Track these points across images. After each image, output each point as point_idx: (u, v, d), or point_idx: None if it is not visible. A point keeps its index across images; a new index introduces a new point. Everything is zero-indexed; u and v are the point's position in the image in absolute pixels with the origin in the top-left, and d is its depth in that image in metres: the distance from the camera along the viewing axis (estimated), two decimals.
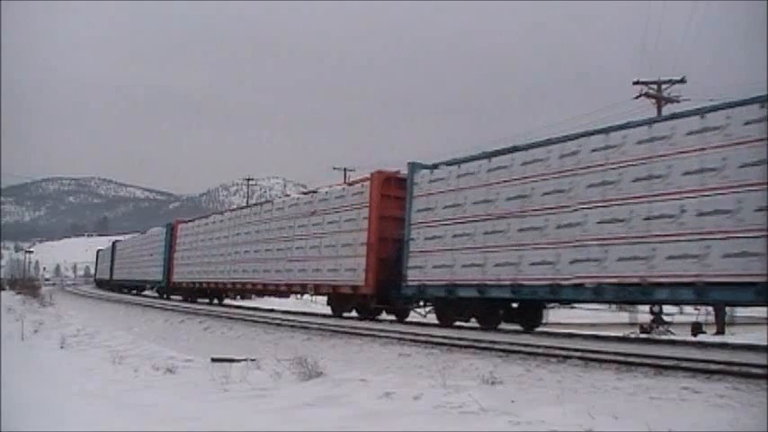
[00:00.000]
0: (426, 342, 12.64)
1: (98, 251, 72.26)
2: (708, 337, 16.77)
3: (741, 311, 18.63)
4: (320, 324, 17.27)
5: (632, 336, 14.62)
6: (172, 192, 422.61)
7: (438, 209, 16.12)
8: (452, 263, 15.46)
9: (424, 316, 18.15)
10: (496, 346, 11.32)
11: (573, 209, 12.92)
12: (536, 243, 13.53)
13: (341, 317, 19.73)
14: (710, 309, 17.20)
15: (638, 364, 9.04)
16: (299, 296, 26.18)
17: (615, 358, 9.49)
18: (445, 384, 7.74)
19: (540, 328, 15.35)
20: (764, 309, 12.12)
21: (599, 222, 12.41)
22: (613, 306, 22.25)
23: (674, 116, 12.47)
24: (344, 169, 49.38)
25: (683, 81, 27.06)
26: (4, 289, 51.61)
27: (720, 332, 18.70)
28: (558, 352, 10.33)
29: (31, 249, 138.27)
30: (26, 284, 52.72)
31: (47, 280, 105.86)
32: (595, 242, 12.42)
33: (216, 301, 31.86)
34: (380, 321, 20.09)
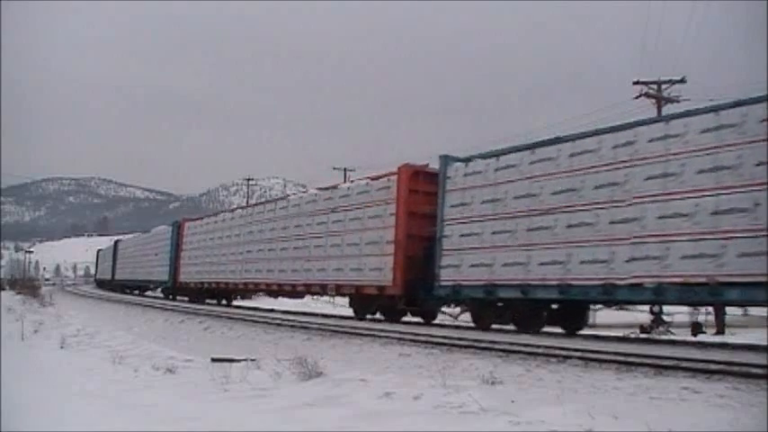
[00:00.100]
0: (426, 342, 12.65)
1: (98, 251, 71.64)
2: (708, 337, 16.78)
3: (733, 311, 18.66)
4: (320, 324, 17.29)
5: (632, 336, 14.59)
6: (172, 192, 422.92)
7: (474, 204, 15.23)
8: (492, 261, 14.59)
9: (455, 318, 17.44)
10: (496, 346, 11.33)
11: (629, 203, 12.08)
12: (587, 240, 12.67)
13: (362, 318, 19.01)
14: (710, 309, 17.22)
15: (638, 364, 9.05)
16: (315, 297, 25.49)
17: (615, 358, 9.50)
18: (445, 384, 7.74)
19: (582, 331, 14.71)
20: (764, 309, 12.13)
21: (659, 217, 11.55)
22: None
23: (741, 102, 11.20)
24: (344, 169, 49.36)
25: (683, 81, 27.10)
26: (4, 289, 51.59)
27: (720, 332, 18.72)
28: (558, 352, 10.34)
29: (31, 249, 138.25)
30: (26, 284, 52.72)
31: (47, 280, 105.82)
32: (655, 239, 11.57)
33: (224, 302, 30.91)
34: (381, 322, 20.11)
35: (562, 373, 8.95)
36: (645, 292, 11.83)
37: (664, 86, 27.44)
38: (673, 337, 14.19)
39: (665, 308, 13.55)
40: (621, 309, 15.32)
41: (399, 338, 13.41)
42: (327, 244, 20.24)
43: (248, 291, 29.18)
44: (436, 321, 18.30)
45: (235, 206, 73.86)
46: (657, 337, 14.10)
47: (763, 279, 10.03)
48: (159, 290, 40.32)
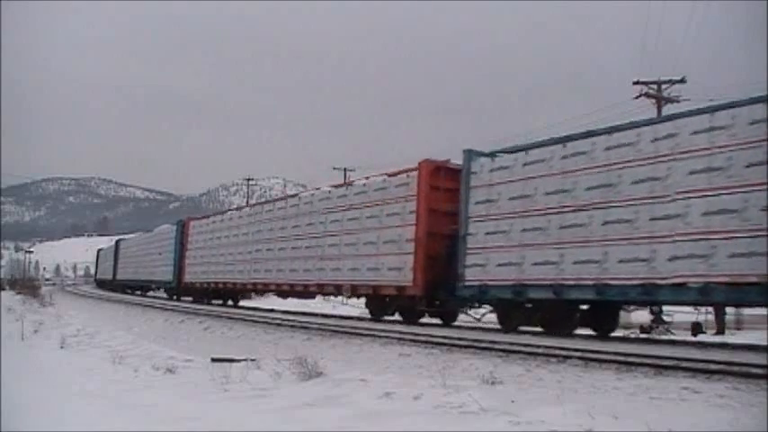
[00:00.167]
0: (426, 342, 12.65)
1: (99, 250, 71.22)
2: (708, 337, 16.75)
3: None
4: (320, 324, 17.29)
5: (632, 336, 14.58)
6: (172, 192, 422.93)
7: (502, 200, 14.56)
8: (521, 260, 13.93)
9: (479, 320, 16.82)
10: (496, 346, 11.33)
11: (671, 198, 11.46)
12: (625, 237, 12.03)
13: (379, 320, 18.32)
14: (710, 308, 17.18)
15: (638, 364, 9.05)
16: (327, 297, 24.70)
17: (615, 358, 9.50)
18: (445, 384, 7.74)
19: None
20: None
21: (704, 214, 10.98)
22: None
23: None
24: (344, 169, 49.37)
25: (683, 81, 27.09)
26: (4, 289, 51.59)
27: (720, 332, 18.70)
28: (557, 352, 10.34)
29: (31, 249, 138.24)
30: (26, 284, 52.73)
31: (47, 280, 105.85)
32: (700, 236, 11.00)
33: (230, 302, 30.19)
34: (381, 322, 20.10)
35: (562, 373, 8.96)
36: (689, 292, 11.30)
37: (664, 86, 27.42)
38: (673, 337, 14.16)
39: (665, 308, 13.50)
40: (623, 309, 15.04)
41: (399, 338, 13.42)
42: (342, 243, 19.57)
43: (257, 291, 28.31)
44: (456, 323, 17.72)
45: (235, 206, 73.83)
46: (657, 337, 14.07)
47: None
48: (163, 290, 39.52)
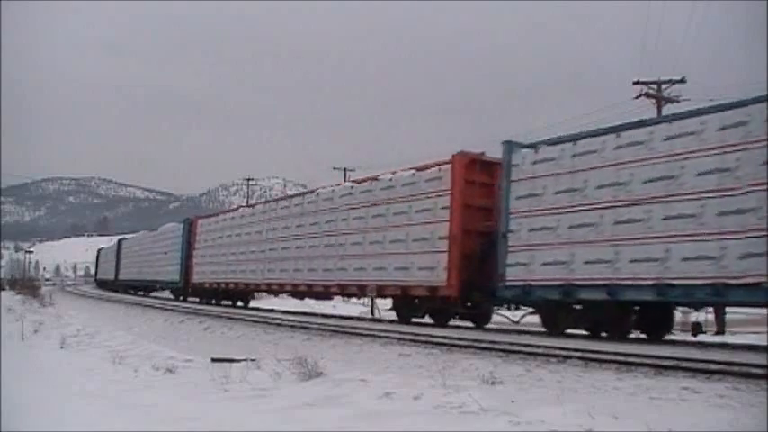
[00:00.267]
0: (426, 342, 12.65)
1: (99, 250, 70.48)
2: (708, 337, 16.72)
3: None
4: (320, 324, 17.28)
5: (632, 336, 14.54)
6: (172, 192, 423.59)
7: (547, 195, 13.67)
8: (569, 258, 13.06)
9: (516, 322, 15.81)
10: (496, 346, 11.33)
11: (742, 191, 10.60)
12: (690, 234, 11.22)
13: (408, 322, 17.32)
14: (710, 308, 17.09)
15: (638, 364, 9.05)
16: (348, 298, 23.71)
17: (615, 358, 9.49)
18: (445, 384, 7.74)
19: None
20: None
21: None
22: None
23: None
24: (344, 169, 49.37)
25: (683, 81, 27.08)
26: (4, 289, 51.54)
27: (720, 332, 18.67)
28: (558, 352, 10.34)
29: (31, 249, 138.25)
30: (26, 284, 52.67)
31: (47, 280, 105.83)
32: None
33: (240, 303, 29.23)
34: (381, 321, 20.08)
35: (562, 373, 8.96)
36: (760, 292, 10.44)
37: (664, 86, 27.42)
38: (673, 337, 14.13)
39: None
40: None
41: (399, 338, 13.41)
42: (366, 241, 18.57)
43: (272, 292, 26.95)
44: (490, 325, 16.90)
45: (235, 206, 73.68)
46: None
47: None
48: (169, 291, 38.33)
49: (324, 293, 21.98)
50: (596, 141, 13.07)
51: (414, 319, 17.36)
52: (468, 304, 16.15)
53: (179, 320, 22.05)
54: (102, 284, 61.00)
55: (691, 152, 11.40)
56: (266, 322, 18.94)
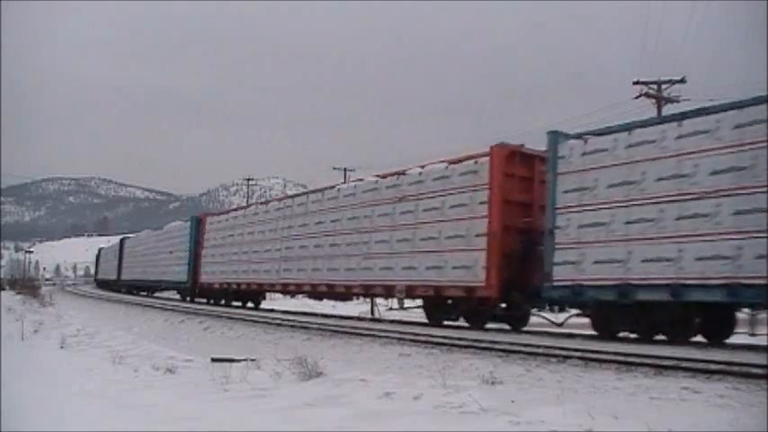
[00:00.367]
0: (426, 342, 12.65)
1: (100, 249, 69.90)
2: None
3: None
4: (320, 324, 17.28)
5: (632, 336, 14.54)
6: (172, 192, 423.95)
7: (599, 188, 12.84)
8: (626, 256, 12.22)
9: (560, 324, 14.92)
10: (496, 346, 11.33)
11: None
12: (765, 230, 10.34)
13: (439, 325, 16.35)
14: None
15: (638, 364, 9.05)
16: (367, 299, 22.62)
17: (615, 358, 9.50)
18: (445, 384, 7.74)
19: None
20: None
21: None
22: None
23: None
24: (344, 169, 49.38)
25: (683, 81, 27.11)
26: (4, 289, 51.57)
27: None
28: (558, 352, 10.35)
29: (31, 249, 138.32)
30: (26, 284, 52.69)
31: (47, 280, 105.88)
32: None
33: (250, 304, 28.14)
34: (381, 321, 20.07)
35: (562, 373, 8.96)
36: None
37: (664, 86, 27.44)
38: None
39: None
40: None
41: (399, 338, 13.42)
42: (393, 239, 17.56)
43: (288, 292, 25.44)
44: (526, 328, 15.99)
45: (235, 206, 73.61)
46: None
47: None
48: (176, 291, 37.02)
49: (346, 294, 21.07)
50: (655, 131, 12.24)
51: (446, 322, 16.42)
52: (503, 305, 15.38)
53: (179, 320, 22.05)
54: (102, 285, 60.53)
55: (763, 141, 10.50)
56: (266, 322, 18.93)
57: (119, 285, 49.68)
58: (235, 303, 28.06)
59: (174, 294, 38.59)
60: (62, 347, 14.69)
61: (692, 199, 11.39)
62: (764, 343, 11.31)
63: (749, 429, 5.84)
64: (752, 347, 11.25)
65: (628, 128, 12.88)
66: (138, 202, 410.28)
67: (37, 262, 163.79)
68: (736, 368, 8.26)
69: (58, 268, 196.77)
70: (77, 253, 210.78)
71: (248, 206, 29.92)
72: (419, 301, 18.24)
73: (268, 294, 29.87)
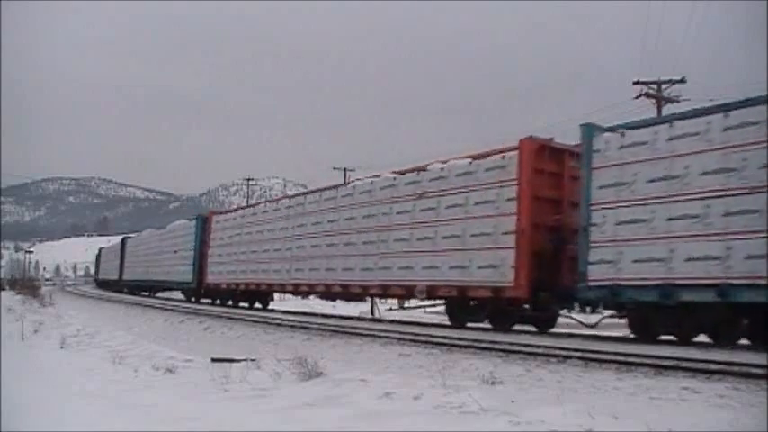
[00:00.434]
0: (426, 342, 12.66)
1: (100, 249, 69.46)
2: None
3: None
4: (320, 324, 17.28)
5: (632, 336, 14.54)
6: (172, 192, 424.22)
7: (638, 183, 12.24)
8: (668, 255, 11.62)
9: (593, 326, 14.35)
10: (496, 346, 11.33)
11: None
12: None
13: (462, 326, 15.66)
14: None
15: (638, 364, 9.05)
16: (382, 300, 22.07)
17: (615, 358, 9.50)
18: (445, 384, 7.74)
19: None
20: None
21: None
22: None
23: None
24: (344, 169, 49.41)
25: (683, 81, 27.13)
26: (4, 289, 51.59)
27: None
28: (558, 352, 10.35)
29: (31, 249, 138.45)
30: (26, 284, 52.70)
31: (47, 280, 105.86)
32: None
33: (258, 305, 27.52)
34: (381, 321, 20.09)
35: (562, 373, 8.96)
36: None
37: (664, 86, 27.46)
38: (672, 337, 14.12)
39: None
40: None
41: (399, 338, 13.42)
42: (414, 237, 16.91)
43: (300, 293, 24.27)
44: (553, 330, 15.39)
45: (235, 206, 73.57)
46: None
47: None
48: (180, 291, 36.08)
49: (362, 294, 20.58)
50: (699, 122, 11.64)
51: (471, 324, 15.79)
52: (527, 306, 14.81)
53: (179, 320, 22.05)
54: (103, 285, 60.23)
55: None
56: (266, 322, 18.93)
57: (120, 285, 49.25)
58: (242, 304, 27.62)
59: (173, 294, 38.54)
60: (62, 347, 14.70)
61: (740, 194, 10.85)
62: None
63: (749, 429, 5.84)
64: (752, 347, 11.25)
65: (668, 119, 12.38)
66: (138, 202, 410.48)
67: (37, 262, 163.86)
68: (736, 368, 8.26)
69: (57, 268, 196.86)
70: (77, 253, 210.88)
71: (257, 204, 28.78)
72: (419, 302, 18.18)
73: (276, 295, 29.24)
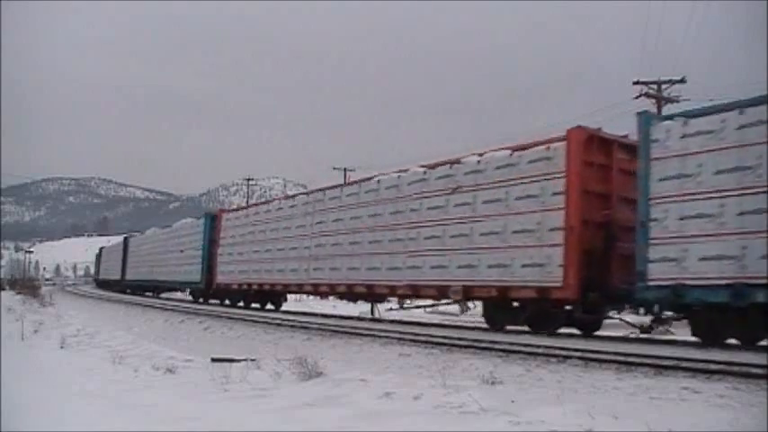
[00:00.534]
0: (426, 342, 12.66)
1: (101, 249, 69.09)
2: None
3: None
4: (320, 324, 17.29)
5: (632, 336, 14.55)
6: (172, 192, 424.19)
7: (704, 175, 11.33)
8: (740, 252, 10.71)
9: (648, 330, 13.65)
10: (496, 346, 11.34)
11: None
12: None
13: (500, 330, 14.85)
14: None
15: (638, 364, 9.06)
16: (408, 301, 21.13)
17: (615, 358, 9.50)
18: (445, 384, 7.74)
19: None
20: None
21: None
22: None
23: None
24: (344, 169, 49.45)
25: (683, 81, 27.18)
26: (4, 289, 51.56)
27: None
28: (557, 352, 10.35)
29: (31, 249, 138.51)
30: (26, 284, 52.66)
31: (47, 280, 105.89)
32: None
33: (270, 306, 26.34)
34: (381, 321, 20.07)
35: (562, 373, 8.96)
36: None
37: (664, 86, 27.51)
38: (673, 337, 14.13)
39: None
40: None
41: (399, 338, 13.43)
42: (446, 234, 15.93)
43: (319, 293, 22.92)
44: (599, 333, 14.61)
45: (235, 205, 73.53)
46: (657, 336, 14.02)
47: None
48: (188, 292, 35.38)
49: (388, 295, 19.68)
50: None
51: (510, 327, 14.93)
52: (571, 308, 13.95)
53: (179, 320, 22.05)
54: (104, 285, 59.67)
55: None
56: (266, 322, 18.94)
57: (123, 285, 48.56)
58: (253, 305, 26.63)
59: (173, 294, 38.49)
60: (62, 347, 14.69)
61: None
62: (763, 343, 11.31)
63: (749, 429, 5.84)
64: (752, 347, 11.25)
65: (740, 105, 11.29)
66: (138, 202, 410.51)
67: (37, 262, 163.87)
68: (736, 368, 8.27)
69: (57, 268, 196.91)
70: (77, 253, 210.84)
71: (271, 201, 27.89)
72: (420, 302, 17.94)
73: (290, 296, 28.28)
